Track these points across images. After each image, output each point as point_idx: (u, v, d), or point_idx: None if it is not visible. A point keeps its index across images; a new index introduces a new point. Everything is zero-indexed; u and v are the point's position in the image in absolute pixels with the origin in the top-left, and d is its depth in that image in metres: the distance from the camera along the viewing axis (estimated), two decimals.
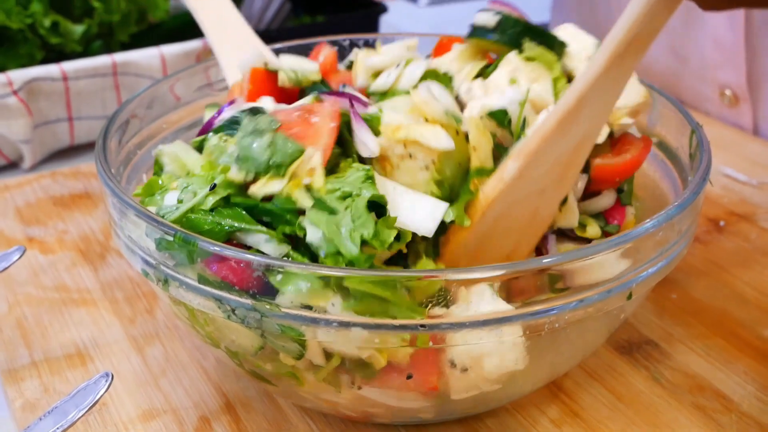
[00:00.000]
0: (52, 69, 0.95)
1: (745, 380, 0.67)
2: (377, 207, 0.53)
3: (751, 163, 0.97)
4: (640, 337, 0.72)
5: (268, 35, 1.18)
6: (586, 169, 0.62)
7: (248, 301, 0.51)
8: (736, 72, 0.98)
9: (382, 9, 1.26)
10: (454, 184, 0.58)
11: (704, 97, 1.04)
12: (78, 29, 0.97)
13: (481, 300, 0.51)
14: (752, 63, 0.96)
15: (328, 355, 0.54)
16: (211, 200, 0.56)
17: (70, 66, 0.95)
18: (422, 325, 0.50)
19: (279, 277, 0.50)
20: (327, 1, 1.32)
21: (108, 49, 1.02)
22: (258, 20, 1.22)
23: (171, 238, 0.52)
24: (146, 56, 0.98)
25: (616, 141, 0.64)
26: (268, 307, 0.51)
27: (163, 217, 0.55)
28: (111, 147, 0.63)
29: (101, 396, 0.54)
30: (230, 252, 0.51)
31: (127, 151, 0.67)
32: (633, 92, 0.65)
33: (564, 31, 0.67)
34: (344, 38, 0.82)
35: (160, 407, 0.65)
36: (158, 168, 0.64)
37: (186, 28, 1.06)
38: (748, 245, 0.83)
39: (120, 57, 0.97)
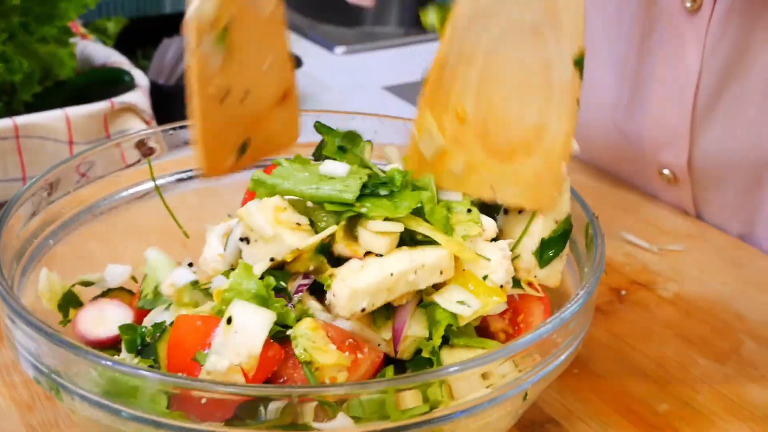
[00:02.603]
0: None
1: None
2: None
3: (654, 228, 0.99)
4: (541, 415, 0.73)
5: (179, 91, 1.17)
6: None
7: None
8: (678, 154, 0.97)
9: (298, 63, 1.26)
10: None
11: (644, 174, 1.05)
12: None
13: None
14: (694, 146, 0.96)
15: None
16: None
17: None
18: None
19: None
20: None
21: (10, 108, 1.00)
22: (169, 73, 1.20)
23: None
24: (50, 118, 0.96)
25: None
26: None
27: None
28: (3, 242, 0.62)
29: None
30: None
31: (23, 240, 0.66)
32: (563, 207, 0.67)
33: None
34: None
35: None
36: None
37: (93, 86, 1.04)
38: (648, 315, 0.85)
39: (22, 120, 0.94)
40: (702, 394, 0.75)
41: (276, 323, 0.55)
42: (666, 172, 1.00)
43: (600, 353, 0.80)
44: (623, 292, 0.88)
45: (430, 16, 0.69)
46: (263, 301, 0.56)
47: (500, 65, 0.63)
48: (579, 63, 0.62)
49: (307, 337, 0.55)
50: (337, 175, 0.62)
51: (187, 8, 0.61)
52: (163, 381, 0.50)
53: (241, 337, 0.53)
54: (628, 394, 0.75)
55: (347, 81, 1.43)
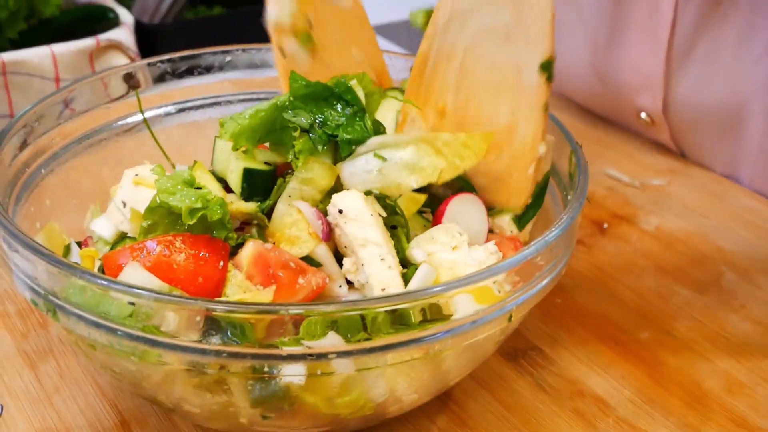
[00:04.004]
0: None
1: (622, 384, 0.71)
2: None
3: (635, 163, 1.01)
4: (525, 343, 0.75)
5: (163, 30, 1.17)
6: None
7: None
8: (653, 98, 0.99)
9: None
10: None
11: (623, 116, 1.06)
12: None
13: None
14: (670, 92, 0.97)
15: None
16: None
17: None
18: (309, 355, 0.52)
19: None
20: None
21: None
22: (153, 12, 1.20)
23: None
24: (37, 55, 0.96)
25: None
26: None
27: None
28: None
29: None
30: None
31: (16, 169, 0.66)
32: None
33: None
34: (258, 48, 0.80)
35: (54, 426, 0.65)
36: None
37: (78, 23, 1.04)
38: (629, 248, 0.87)
39: (9, 56, 0.94)
40: (682, 323, 0.77)
41: None
42: (643, 115, 1.01)
43: (582, 284, 0.82)
44: (605, 226, 0.90)
45: (417, 17, 0.76)
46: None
47: (477, 64, 0.65)
48: (545, 68, 0.63)
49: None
50: None
51: (267, 16, 0.67)
52: (159, 299, 0.51)
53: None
54: (610, 323, 0.77)
55: None
